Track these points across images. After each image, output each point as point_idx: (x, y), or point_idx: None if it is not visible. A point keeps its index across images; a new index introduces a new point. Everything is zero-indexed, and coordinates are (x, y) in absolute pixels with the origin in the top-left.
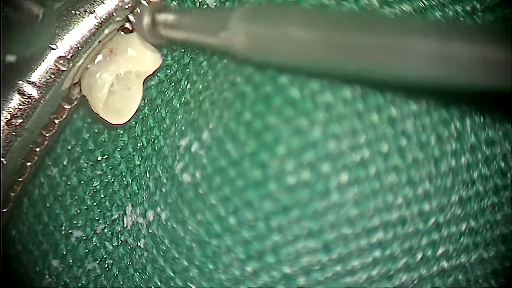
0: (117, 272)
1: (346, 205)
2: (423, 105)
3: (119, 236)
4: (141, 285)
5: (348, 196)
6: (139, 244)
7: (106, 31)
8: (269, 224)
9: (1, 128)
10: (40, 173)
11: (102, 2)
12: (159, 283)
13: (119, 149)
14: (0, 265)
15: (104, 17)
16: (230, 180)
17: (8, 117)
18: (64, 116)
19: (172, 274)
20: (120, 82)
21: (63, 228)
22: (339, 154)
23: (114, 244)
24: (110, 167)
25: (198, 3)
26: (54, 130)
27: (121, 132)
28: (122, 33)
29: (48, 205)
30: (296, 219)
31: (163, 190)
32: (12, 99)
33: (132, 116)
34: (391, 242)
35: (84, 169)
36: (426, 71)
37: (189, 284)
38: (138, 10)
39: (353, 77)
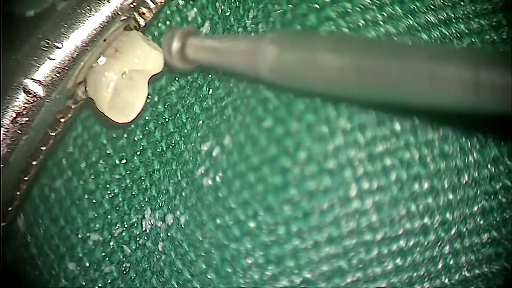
0: (134, 275)
1: (367, 212)
2: (446, 116)
3: (137, 239)
4: None
5: (369, 204)
6: (157, 247)
7: (112, 30)
8: (289, 229)
9: (7, 127)
10: (57, 177)
11: (108, 1)
12: (176, 286)
13: (138, 153)
14: (0, 265)
15: (109, 15)
16: (250, 184)
17: (14, 115)
18: (70, 115)
19: (190, 277)
20: (125, 80)
21: (80, 231)
22: (360, 161)
23: (132, 248)
24: (129, 172)
25: (220, 10)
26: (60, 129)
27: (140, 137)
28: (127, 32)
29: (65, 209)
30: (316, 224)
31: (183, 194)
32: (17, 98)
33: (138, 115)
34: (412, 250)
35: (102, 173)
36: (458, 98)
37: (207, 287)
38: (145, 11)
39: (383, 103)
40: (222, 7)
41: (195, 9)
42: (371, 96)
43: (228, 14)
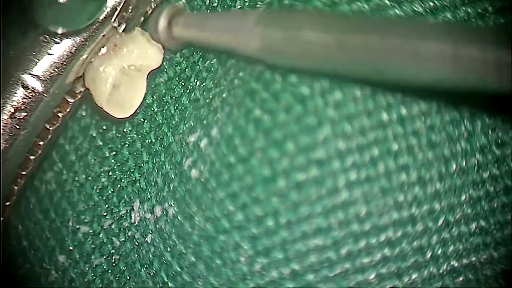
0: (124, 268)
1: (355, 203)
2: (433, 105)
3: (127, 231)
4: (148, 280)
5: (357, 194)
6: (146, 239)
7: (111, 25)
8: (277, 220)
9: (5, 122)
10: (47, 169)
11: None
12: (166, 278)
13: (127, 145)
14: (0, 265)
15: (109, 11)
16: (238, 176)
17: (12, 110)
18: (68, 110)
19: (179, 269)
20: (124, 76)
21: (70, 223)
22: (348, 152)
23: (121, 240)
24: (118, 164)
25: (208, 1)
26: (58, 124)
27: (130, 128)
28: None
29: (55, 201)
30: (304, 215)
31: (171, 186)
32: (16, 93)
33: (136, 110)
34: (400, 240)
35: (92, 165)
36: (439, 73)
37: (196, 279)
38: (149, 11)
39: (366, 79)
40: None
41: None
42: (355, 72)
43: (215, 4)
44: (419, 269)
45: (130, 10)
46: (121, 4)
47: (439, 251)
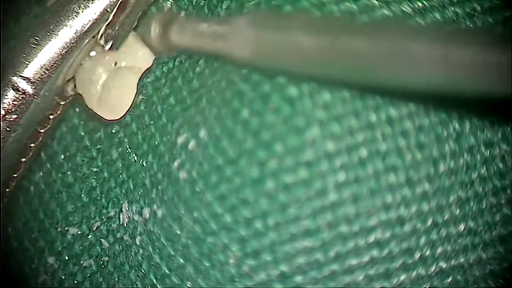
0: (113, 269)
1: (343, 204)
2: (422, 105)
3: (115, 233)
4: (137, 282)
5: (346, 195)
6: (135, 241)
7: (101, 27)
8: (266, 222)
9: None
10: (36, 170)
11: None
12: (154, 281)
13: (115, 146)
14: (0, 265)
15: (99, 13)
16: (226, 178)
17: (3, 112)
18: (59, 112)
19: (167, 271)
20: (114, 78)
21: (59, 225)
22: (336, 153)
23: (110, 241)
24: (106, 164)
25: (195, 1)
26: (49, 126)
27: (117, 129)
28: None
29: (44, 202)
30: (293, 217)
31: (160, 188)
32: (6, 95)
33: (127, 112)
34: (389, 242)
35: (80, 166)
36: (430, 76)
37: (185, 281)
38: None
39: (357, 82)
40: None
41: (170, 0)
42: (347, 75)
43: (202, 4)
44: (408, 270)
45: (117, 28)
46: (111, 6)
47: (428, 252)
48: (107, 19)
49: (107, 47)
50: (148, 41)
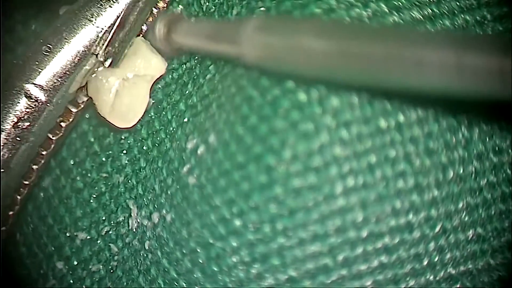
0: (121, 274)
1: (352, 210)
2: (431, 112)
3: (124, 238)
4: (145, 287)
5: (354, 201)
6: (143, 246)
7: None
8: (274, 227)
9: (8, 131)
10: (45, 176)
11: (110, 6)
12: (163, 285)
13: (124, 151)
14: (0, 266)
15: (112, 21)
16: (235, 182)
17: (15, 120)
18: (71, 120)
19: (176, 276)
20: (127, 86)
21: (68, 230)
22: (345, 159)
23: (119, 246)
24: (115, 170)
25: (205, 7)
26: (61, 134)
27: (127, 135)
28: None
29: (53, 208)
30: (301, 222)
31: (169, 193)
32: (19, 102)
33: (139, 119)
34: (397, 247)
35: (89, 172)
36: (442, 82)
37: (193, 286)
38: (151, 19)
39: (367, 87)
40: (207, 4)
41: (180, 6)
42: (356, 80)
43: (212, 10)
44: (416, 276)
45: (116, 45)
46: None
47: (436, 258)
48: (108, 37)
49: (107, 64)
50: (154, 42)
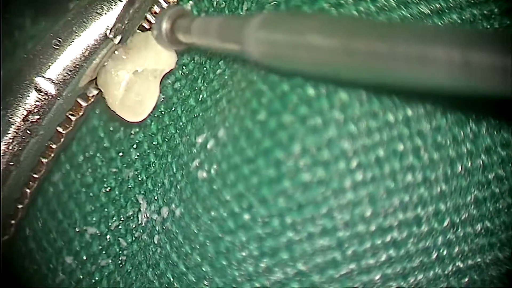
0: (131, 268)
1: (360, 204)
2: (439, 106)
3: (133, 232)
4: (154, 281)
5: (363, 195)
6: (153, 240)
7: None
8: (283, 221)
9: (18, 125)
10: (55, 171)
11: (120, 0)
12: (172, 279)
13: (134, 146)
14: (0, 266)
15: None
16: (244, 177)
17: (25, 113)
18: (81, 114)
19: (185, 269)
20: (137, 80)
21: (78, 225)
22: (353, 153)
23: (128, 241)
24: (125, 165)
25: (216, 3)
26: (71, 127)
27: (137, 130)
28: (139, 31)
29: (62, 202)
30: (310, 216)
31: (178, 187)
32: (29, 96)
33: (149, 114)
34: (406, 241)
35: (99, 167)
36: (447, 79)
37: (202, 280)
38: (156, 11)
39: (372, 84)
40: None
41: (191, 2)
42: (361, 77)
43: (223, 6)
44: (425, 270)
45: (126, 22)
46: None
47: (445, 252)
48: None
49: (116, 41)
50: (160, 37)
